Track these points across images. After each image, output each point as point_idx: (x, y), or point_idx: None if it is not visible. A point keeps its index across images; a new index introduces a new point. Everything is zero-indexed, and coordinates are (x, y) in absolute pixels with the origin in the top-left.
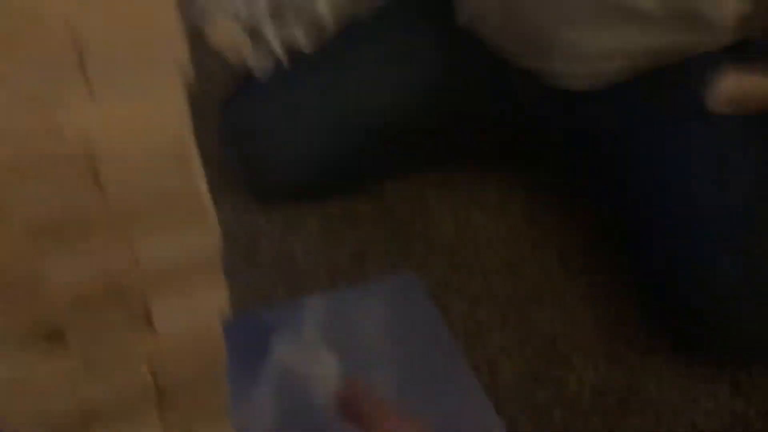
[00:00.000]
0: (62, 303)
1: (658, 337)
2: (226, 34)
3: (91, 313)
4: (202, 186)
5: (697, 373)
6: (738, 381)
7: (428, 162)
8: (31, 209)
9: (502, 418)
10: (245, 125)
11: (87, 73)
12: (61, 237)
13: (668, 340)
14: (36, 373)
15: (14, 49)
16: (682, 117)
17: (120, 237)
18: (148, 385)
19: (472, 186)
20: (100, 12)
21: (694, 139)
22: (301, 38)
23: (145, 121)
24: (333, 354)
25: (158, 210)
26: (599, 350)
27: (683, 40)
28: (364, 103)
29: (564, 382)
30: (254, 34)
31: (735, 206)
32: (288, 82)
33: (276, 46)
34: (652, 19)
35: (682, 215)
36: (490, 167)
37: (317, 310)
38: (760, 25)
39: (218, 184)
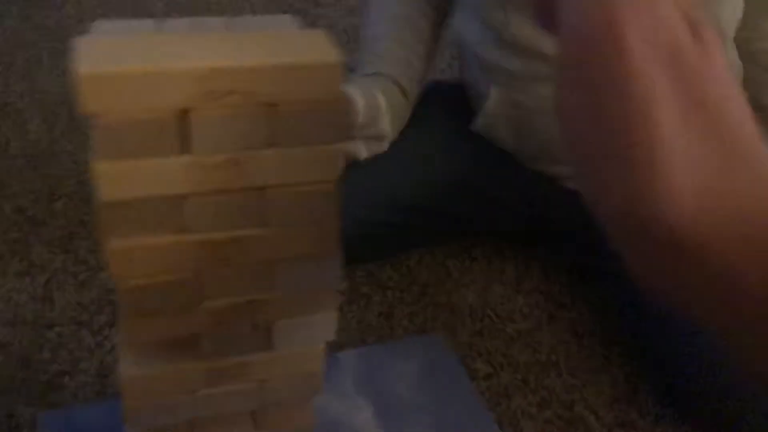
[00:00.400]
0: (209, 315)
1: (667, 407)
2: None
3: (226, 325)
4: (338, 222)
5: None
6: None
7: (451, 238)
8: (207, 229)
9: None
10: None
11: (275, 129)
12: (224, 256)
13: (676, 410)
14: (167, 372)
15: (219, 112)
16: None
17: (268, 263)
18: (254, 395)
19: (491, 261)
20: (286, 87)
21: None
22: (362, 152)
23: (307, 171)
24: (368, 404)
25: (304, 242)
26: (613, 416)
27: None
28: (396, 186)
29: None
30: None
31: None
32: None
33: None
34: None
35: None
36: (507, 245)
37: (351, 364)
38: None
39: None
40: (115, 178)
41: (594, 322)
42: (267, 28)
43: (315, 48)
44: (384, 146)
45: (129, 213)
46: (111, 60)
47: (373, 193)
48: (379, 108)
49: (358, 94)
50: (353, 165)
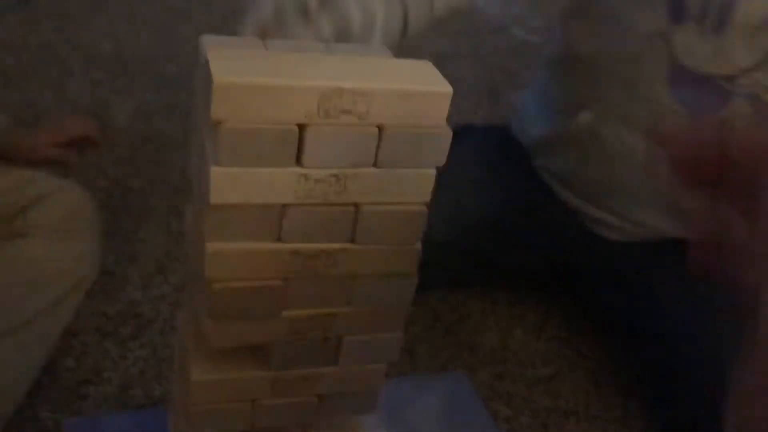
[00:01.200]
0: (287, 324)
1: None
2: None
3: (300, 336)
4: (420, 244)
5: None
6: None
7: (475, 278)
8: (301, 240)
9: None
10: None
11: (380, 150)
12: (312, 267)
13: None
14: (236, 379)
15: (333, 129)
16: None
17: (350, 277)
18: (312, 409)
19: (513, 304)
20: (397, 111)
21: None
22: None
23: (402, 192)
24: None
25: (384, 263)
26: None
27: None
28: (432, 218)
29: None
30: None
31: None
32: None
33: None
34: None
35: (703, 367)
36: (529, 290)
37: None
38: None
39: None
40: (228, 183)
41: (614, 374)
42: (366, 55)
43: (425, 77)
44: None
45: (233, 217)
46: (242, 72)
47: None
48: (374, 24)
49: (353, 4)
50: None
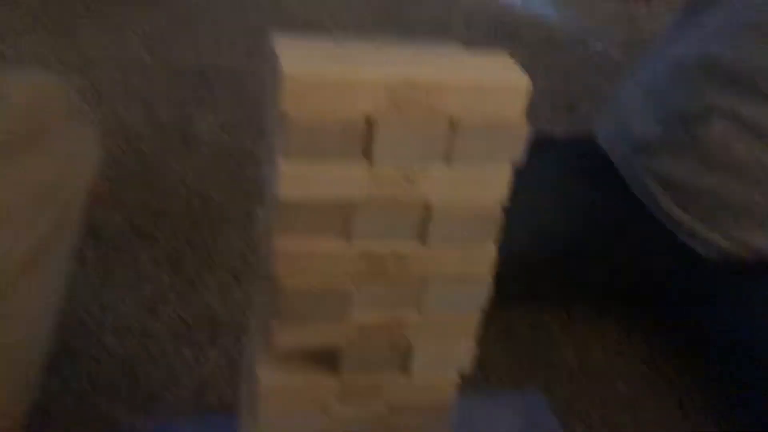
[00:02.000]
0: (355, 328)
1: None
2: None
3: (368, 344)
4: (496, 245)
5: None
6: None
7: (554, 293)
8: (370, 240)
9: None
10: None
11: (453, 145)
12: (382, 268)
13: None
14: (304, 384)
15: (403, 123)
16: None
17: (421, 280)
18: (383, 421)
19: (592, 321)
20: (472, 105)
21: None
22: None
23: (476, 190)
24: None
25: (457, 265)
26: None
27: None
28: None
29: None
30: None
31: None
32: None
33: None
34: None
35: None
36: (608, 306)
37: None
38: None
39: None
40: (297, 178)
41: (701, 397)
42: (439, 49)
43: (501, 70)
44: None
45: (302, 214)
46: (310, 63)
47: None
48: None
49: None
50: None
